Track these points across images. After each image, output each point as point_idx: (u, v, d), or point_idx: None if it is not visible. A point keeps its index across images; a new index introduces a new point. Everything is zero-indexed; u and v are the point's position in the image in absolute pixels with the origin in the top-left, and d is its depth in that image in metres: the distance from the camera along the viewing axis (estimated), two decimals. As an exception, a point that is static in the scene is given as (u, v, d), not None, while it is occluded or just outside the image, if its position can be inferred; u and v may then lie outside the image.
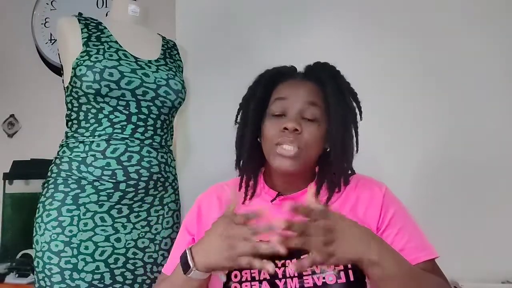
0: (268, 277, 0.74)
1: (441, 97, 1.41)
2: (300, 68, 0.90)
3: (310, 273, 0.74)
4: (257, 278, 0.74)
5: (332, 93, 0.81)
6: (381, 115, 1.44)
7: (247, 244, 0.65)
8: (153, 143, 1.13)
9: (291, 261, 0.76)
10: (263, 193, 0.86)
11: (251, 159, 0.85)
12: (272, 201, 0.85)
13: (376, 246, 0.67)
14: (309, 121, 0.79)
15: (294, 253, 0.75)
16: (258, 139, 0.85)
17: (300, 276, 0.74)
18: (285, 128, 0.77)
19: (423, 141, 1.41)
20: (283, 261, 0.76)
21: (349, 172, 0.85)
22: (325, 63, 0.86)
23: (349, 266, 0.73)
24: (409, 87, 1.44)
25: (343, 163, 0.82)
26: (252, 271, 0.75)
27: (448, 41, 1.42)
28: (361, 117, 0.85)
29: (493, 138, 1.38)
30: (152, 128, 1.13)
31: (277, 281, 0.74)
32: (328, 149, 0.83)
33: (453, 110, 1.41)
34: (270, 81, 0.84)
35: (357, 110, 0.84)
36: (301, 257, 0.75)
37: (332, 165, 0.81)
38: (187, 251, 0.72)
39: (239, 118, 0.88)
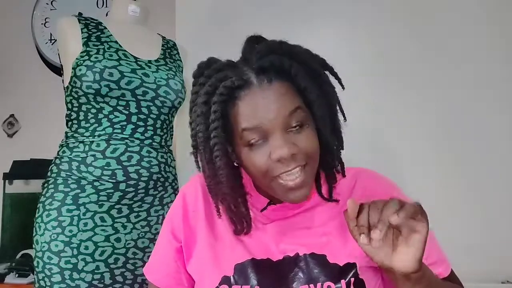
0: None
1: (442, 96, 1.42)
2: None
3: None
4: None
5: (306, 83, 0.64)
6: (382, 113, 1.45)
7: None
8: (153, 143, 1.13)
9: None
10: (255, 202, 0.74)
11: (234, 188, 0.69)
12: (262, 210, 0.73)
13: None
14: (297, 129, 0.63)
15: (291, 280, 0.68)
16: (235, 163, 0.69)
17: None
18: (279, 160, 0.62)
19: (423, 138, 1.41)
20: None
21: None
22: (273, 43, 0.68)
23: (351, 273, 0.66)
24: (411, 86, 1.44)
25: (338, 147, 0.71)
26: (243, 287, 0.67)
27: (451, 40, 1.42)
28: (342, 87, 0.70)
29: (493, 139, 1.38)
30: (152, 128, 1.13)
31: None
32: None
33: (453, 110, 1.41)
34: (224, 106, 0.64)
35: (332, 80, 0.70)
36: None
37: (326, 155, 0.69)
38: None
39: (202, 156, 0.68)
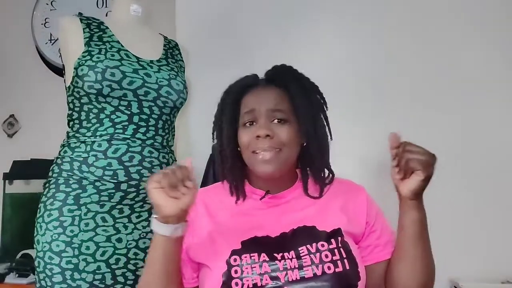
0: (269, 271, 0.76)
1: (443, 98, 1.42)
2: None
3: (310, 263, 0.77)
4: (257, 272, 0.76)
5: (296, 94, 0.86)
6: (381, 115, 1.45)
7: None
8: (155, 143, 1.13)
9: (288, 253, 0.78)
10: (251, 194, 0.89)
11: (234, 168, 0.88)
12: (261, 198, 0.87)
13: None
14: (279, 123, 0.84)
15: (291, 246, 0.80)
16: (238, 149, 0.88)
17: (301, 267, 0.76)
18: (258, 136, 0.82)
19: (423, 141, 1.42)
20: (281, 253, 0.78)
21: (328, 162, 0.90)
22: (283, 66, 0.91)
23: (344, 255, 0.78)
24: (410, 87, 1.44)
25: (323, 154, 0.88)
26: (252, 265, 0.77)
27: (450, 43, 1.43)
28: (326, 107, 0.90)
29: (492, 139, 1.38)
30: (153, 128, 1.13)
31: (278, 273, 0.76)
32: (305, 144, 0.87)
33: (454, 111, 1.41)
34: (237, 96, 0.88)
35: (322, 101, 0.90)
36: (299, 249, 0.79)
37: (312, 158, 0.87)
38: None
39: (215, 135, 0.91)
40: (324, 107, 0.90)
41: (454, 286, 1.31)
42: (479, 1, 1.42)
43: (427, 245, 0.83)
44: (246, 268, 0.76)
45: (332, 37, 1.51)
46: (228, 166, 0.87)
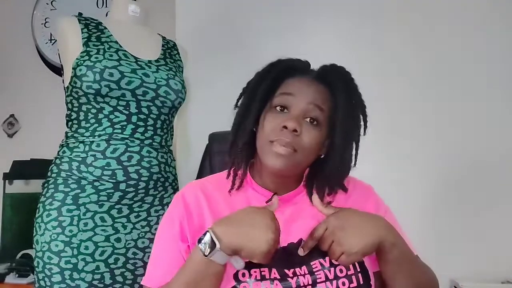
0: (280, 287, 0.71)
1: (443, 99, 1.42)
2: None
3: (324, 279, 0.72)
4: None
5: (342, 102, 0.76)
6: (381, 116, 1.44)
7: None
8: (153, 143, 1.13)
9: (300, 269, 0.74)
10: (255, 192, 0.81)
11: (245, 149, 0.79)
12: (267, 201, 0.79)
13: (391, 229, 0.74)
14: (311, 124, 0.75)
15: (302, 260, 0.74)
16: (254, 129, 0.80)
17: (314, 283, 0.72)
18: (284, 127, 0.73)
19: (422, 142, 1.42)
20: (292, 269, 0.74)
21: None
22: (341, 67, 0.81)
23: (359, 269, 0.74)
24: (411, 88, 1.44)
25: (341, 175, 0.80)
26: (263, 282, 0.71)
27: (451, 42, 1.43)
28: (364, 132, 0.80)
29: (494, 140, 1.38)
30: (152, 128, 1.13)
31: None
32: (322, 156, 0.80)
33: (454, 112, 1.41)
34: (281, 73, 0.79)
35: (362, 123, 0.80)
36: (312, 264, 0.74)
37: (327, 175, 0.79)
38: (209, 231, 0.68)
39: (239, 103, 0.82)
40: (363, 131, 0.80)
41: (454, 286, 1.31)
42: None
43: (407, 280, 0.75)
44: (257, 285, 0.70)
45: (332, 35, 1.50)
46: (240, 144, 0.78)
